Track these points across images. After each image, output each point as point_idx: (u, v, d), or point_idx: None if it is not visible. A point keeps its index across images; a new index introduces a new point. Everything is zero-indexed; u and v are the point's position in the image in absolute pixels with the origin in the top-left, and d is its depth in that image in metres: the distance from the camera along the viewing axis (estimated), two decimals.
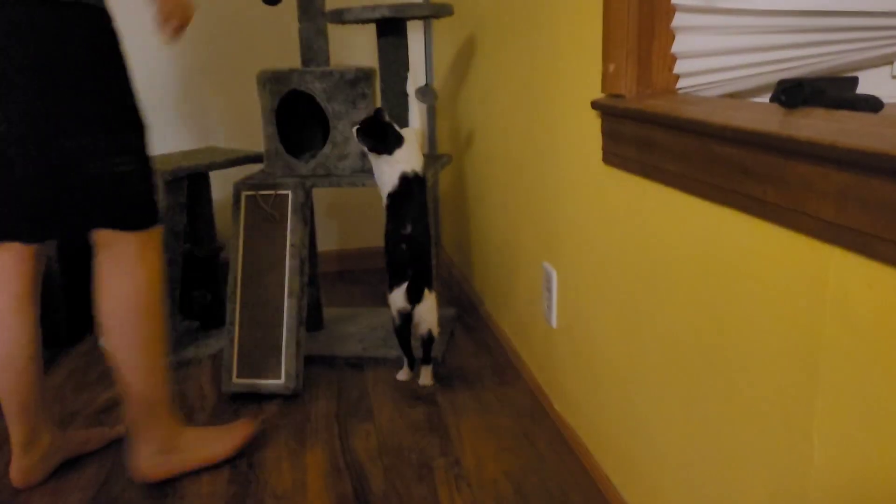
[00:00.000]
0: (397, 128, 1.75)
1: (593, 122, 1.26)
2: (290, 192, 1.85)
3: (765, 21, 1.04)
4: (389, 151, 1.72)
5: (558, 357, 1.58)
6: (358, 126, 1.74)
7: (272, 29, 2.55)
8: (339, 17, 1.83)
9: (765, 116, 0.82)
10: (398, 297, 1.74)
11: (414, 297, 1.73)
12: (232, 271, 1.85)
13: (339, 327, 2.17)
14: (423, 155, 1.84)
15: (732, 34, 1.06)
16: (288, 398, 1.78)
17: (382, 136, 1.72)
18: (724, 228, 0.89)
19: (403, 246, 1.74)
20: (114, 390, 1.82)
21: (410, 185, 1.74)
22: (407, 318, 1.75)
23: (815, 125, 0.73)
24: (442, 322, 2.17)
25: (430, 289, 1.77)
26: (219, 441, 1.53)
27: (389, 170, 1.74)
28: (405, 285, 1.72)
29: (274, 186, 1.86)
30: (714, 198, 0.90)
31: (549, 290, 1.58)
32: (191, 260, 2.14)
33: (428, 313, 1.77)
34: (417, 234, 1.74)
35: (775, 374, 0.81)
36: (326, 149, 1.87)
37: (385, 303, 1.81)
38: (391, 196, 1.75)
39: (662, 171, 1.02)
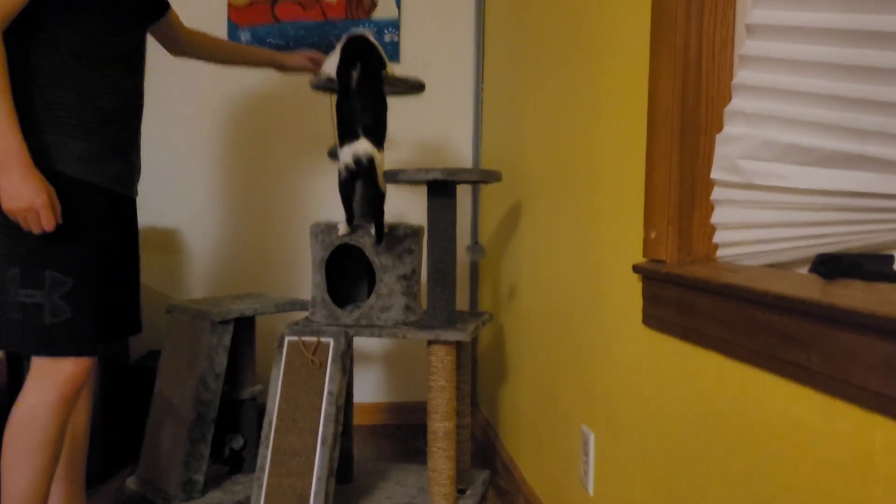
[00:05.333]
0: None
1: (634, 285, 1.29)
2: (332, 340, 1.88)
3: (801, 199, 1.08)
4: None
5: None
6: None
7: (328, 181, 2.71)
8: (394, 177, 1.94)
9: (804, 285, 0.84)
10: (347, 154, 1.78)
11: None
12: (268, 415, 1.85)
13: (367, 481, 2.12)
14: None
15: (770, 209, 1.10)
16: None
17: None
18: (766, 394, 0.89)
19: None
20: None
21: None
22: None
23: (855, 295, 0.75)
24: (474, 484, 2.10)
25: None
26: None
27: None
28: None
29: (317, 334, 1.90)
30: (756, 363, 0.90)
31: (586, 454, 1.54)
32: (227, 403, 2.15)
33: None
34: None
35: None
36: (371, 300, 1.92)
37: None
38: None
39: (703, 336, 1.03)
